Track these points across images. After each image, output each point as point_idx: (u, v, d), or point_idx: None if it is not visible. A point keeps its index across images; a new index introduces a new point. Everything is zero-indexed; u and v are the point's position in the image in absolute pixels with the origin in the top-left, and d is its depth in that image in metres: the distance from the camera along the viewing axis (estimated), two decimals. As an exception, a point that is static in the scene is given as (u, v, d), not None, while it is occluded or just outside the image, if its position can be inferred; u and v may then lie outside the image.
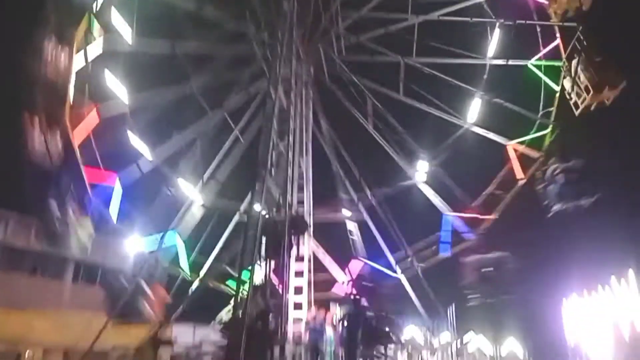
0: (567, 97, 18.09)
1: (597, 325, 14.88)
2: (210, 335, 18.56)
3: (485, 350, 31.07)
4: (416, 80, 24.53)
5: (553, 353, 21.06)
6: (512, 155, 21.78)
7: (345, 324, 13.63)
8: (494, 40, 23.09)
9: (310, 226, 21.15)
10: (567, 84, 18.15)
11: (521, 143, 22.26)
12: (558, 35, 19.83)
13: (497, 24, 21.98)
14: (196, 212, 24.29)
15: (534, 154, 21.34)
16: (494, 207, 22.24)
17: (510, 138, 22.84)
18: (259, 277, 13.79)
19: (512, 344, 33.34)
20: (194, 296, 24.60)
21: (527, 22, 21.09)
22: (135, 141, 21.72)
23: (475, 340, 31.28)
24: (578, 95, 16.86)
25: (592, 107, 16.59)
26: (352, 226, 26.15)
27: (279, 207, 14.47)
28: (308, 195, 24.30)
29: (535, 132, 21.83)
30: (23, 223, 25.78)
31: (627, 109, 18.84)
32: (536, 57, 22.30)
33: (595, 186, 16.38)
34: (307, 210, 22.99)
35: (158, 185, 22.75)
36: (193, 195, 24.07)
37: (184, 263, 23.52)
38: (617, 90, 16.15)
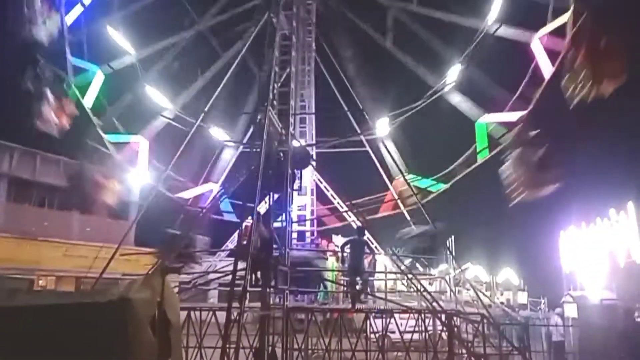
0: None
1: (593, 254, 15.27)
2: (217, 264, 19.23)
3: (482, 278, 32.27)
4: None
5: (547, 281, 21.81)
6: (537, 50, 18.76)
7: (348, 251, 13.88)
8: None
9: (313, 159, 21.24)
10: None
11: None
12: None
13: None
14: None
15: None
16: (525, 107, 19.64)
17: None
18: (262, 209, 14.08)
19: (508, 273, 34.60)
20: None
21: None
22: (153, 93, 21.38)
23: (473, 270, 32.40)
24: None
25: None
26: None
27: (281, 140, 14.43)
28: (311, 127, 24.29)
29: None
30: (28, 155, 26.05)
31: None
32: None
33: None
34: (311, 143, 23.05)
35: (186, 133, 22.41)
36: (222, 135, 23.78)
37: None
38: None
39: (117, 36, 20.26)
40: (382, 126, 23.74)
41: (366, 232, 14.44)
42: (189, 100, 23.26)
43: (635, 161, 26.45)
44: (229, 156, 24.54)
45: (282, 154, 13.74)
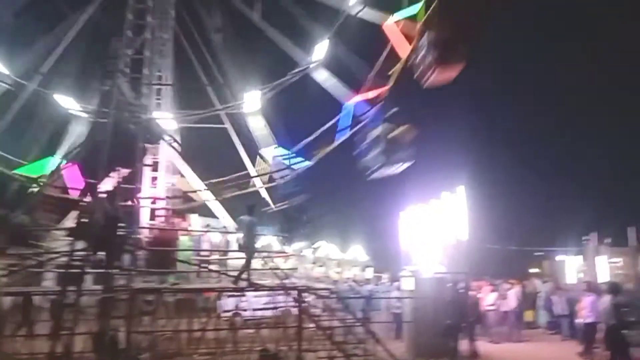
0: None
1: (427, 233, 16.89)
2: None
3: (333, 256, 34.02)
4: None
5: (390, 257, 23.71)
6: (391, 32, 20.01)
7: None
8: None
9: (167, 132, 20.22)
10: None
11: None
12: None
13: None
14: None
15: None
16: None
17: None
18: (109, 184, 13.05)
19: (357, 250, 37.00)
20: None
21: None
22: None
23: (325, 247, 33.97)
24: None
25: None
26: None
27: (133, 111, 13.43)
28: (171, 99, 23.01)
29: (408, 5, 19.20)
30: None
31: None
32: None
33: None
34: (167, 116, 21.85)
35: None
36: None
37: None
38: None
39: None
40: (250, 101, 23.45)
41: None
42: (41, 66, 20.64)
43: (468, 149, 29.89)
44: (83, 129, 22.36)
45: (132, 127, 12.83)
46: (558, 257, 24.62)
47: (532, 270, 31.52)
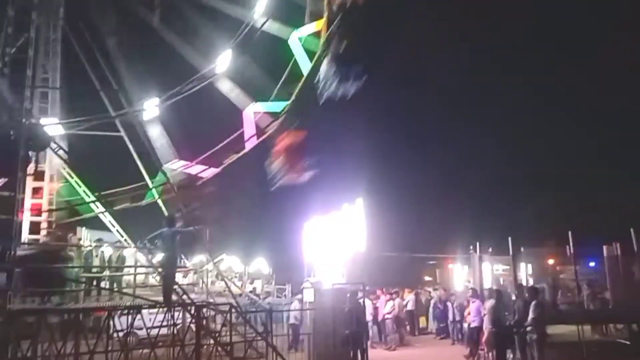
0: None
1: (328, 244, 17.25)
2: None
3: (235, 269, 33.42)
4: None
5: (293, 269, 23.82)
6: (295, 46, 20.06)
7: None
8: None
9: (53, 139, 18.71)
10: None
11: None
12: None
13: None
14: None
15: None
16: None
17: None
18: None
19: (260, 263, 36.67)
20: None
21: None
22: None
23: (227, 260, 33.29)
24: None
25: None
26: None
27: (13, 117, 12.27)
28: (55, 103, 21.31)
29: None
30: None
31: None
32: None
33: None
34: (53, 121, 20.21)
35: None
36: None
37: None
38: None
39: None
40: (148, 109, 22.49)
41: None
42: None
43: (366, 162, 30.98)
44: None
45: (12, 132, 11.70)
46: (450, 266, 26.30)
47: (427, 279, 33.41)
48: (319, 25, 19.05)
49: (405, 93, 39.85)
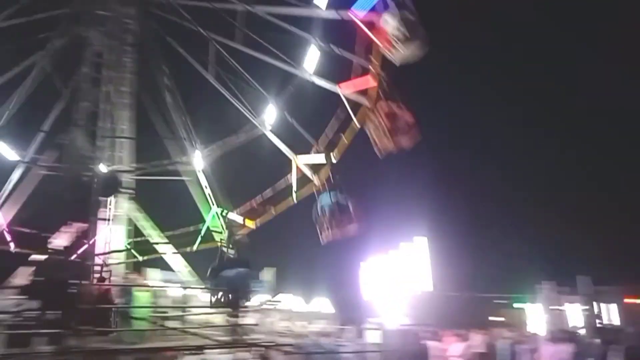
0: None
1: (387, 284, 16.90)
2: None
3: (297, 308, 33.26)
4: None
5: (353, 309, 23.42)
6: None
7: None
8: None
9: (125, 186, 19.76)
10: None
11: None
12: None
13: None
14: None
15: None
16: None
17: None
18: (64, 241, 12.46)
19: (322, 303, 36.38)
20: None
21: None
22: None
23: (289, 300, 33.24)
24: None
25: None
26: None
27: (87, 164, 13.06)
28: (128, 152, 22.57)
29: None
30: None
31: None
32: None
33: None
34: (126, 169, 21.37)
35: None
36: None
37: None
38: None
39: None
40: (200, 157, 23.80)
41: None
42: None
43: (427, 201, 30.41)
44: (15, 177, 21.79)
45: (87, 179, 12.46)
46: (516, 305, 24.91)
47: (492, 319, 31.72)
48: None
49: (466, 131, 39.40)
